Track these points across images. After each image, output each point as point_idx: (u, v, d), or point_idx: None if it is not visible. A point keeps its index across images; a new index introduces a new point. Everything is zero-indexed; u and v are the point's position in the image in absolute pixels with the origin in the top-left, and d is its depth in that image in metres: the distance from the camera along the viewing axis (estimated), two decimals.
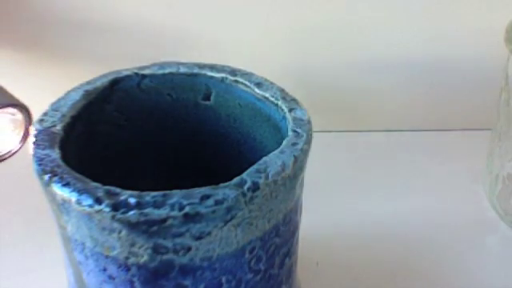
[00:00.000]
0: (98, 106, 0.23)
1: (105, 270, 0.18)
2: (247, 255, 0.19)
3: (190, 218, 0.17)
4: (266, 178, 0.18)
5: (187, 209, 0.17)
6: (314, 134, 0.21)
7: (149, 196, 0.17)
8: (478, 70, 0.41)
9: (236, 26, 0.39)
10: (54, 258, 0.24)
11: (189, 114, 0.25)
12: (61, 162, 0.18)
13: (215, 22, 0.38)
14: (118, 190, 0.17)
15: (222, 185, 0.17)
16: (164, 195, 0.17)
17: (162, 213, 0.17)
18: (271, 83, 0.23)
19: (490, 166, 0.36)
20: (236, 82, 0.23)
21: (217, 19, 0.38)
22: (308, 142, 0.20)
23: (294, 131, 0.20)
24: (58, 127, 0.20)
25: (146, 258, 0.18)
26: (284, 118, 0.21)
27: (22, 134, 0.30)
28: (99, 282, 0.19)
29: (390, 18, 0.39)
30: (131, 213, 0.17)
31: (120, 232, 0.17)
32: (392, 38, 0.39)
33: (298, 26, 0.39)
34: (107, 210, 0.17)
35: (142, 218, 0.17)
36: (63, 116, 0.21)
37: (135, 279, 0.18)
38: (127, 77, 0.23)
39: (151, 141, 0.25)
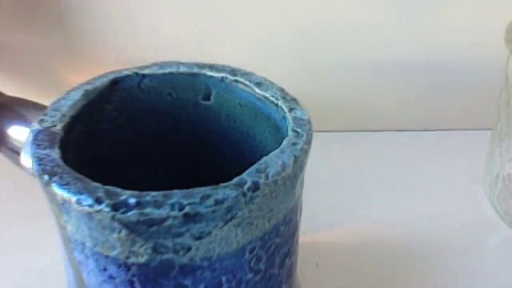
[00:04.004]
0: (98, 105, 0.23)
1: (105, 269, 0.18)
2: (247, 255, 0.19)
3: (190, 218, 0.17)
4: (266, 177, 0.18)
5: (187, 209, 0.17)
6: (314, 134, 0.21)
7: (149, 196, 0.17)
8: (478, 70, 0.41)
9: (236, 26, 0.39)
10: (53, 258, 0.24)
11: (189, 114, 0.25)
12: (61, 162, 0.18)
13: (215, 22, 0.38)
14: (117, 189, 0.17)
15: (222, 185, 0.17)
16: (164, 195, 0.17)
17: (162, 213, 0.17)
18: (271, 83, 0.23)
19: (489, 166, 0.36)
20: (236, 81, 0.23)
21: (216, 19, 0.38)
22: (308, 141, 0.20)
23: (294, 131, 0.20)
24: (58, 127, 0.20)
25: (146, 257, 0.17)
26: (284, 117, 0.21)
27: None
28: (99, 281, 0.19)
29: (390, 18, 0.39)
30: (131, 213, 0.16)
31: (120, 232, 0.17)
32: (392, 38, 0.39)
33: (297, 25, 0.39)
34: (107, 209, 0.17)
35: (142, 218, 0.17)
36: (63, 116, 0.21)
37: (135, 279, 0.18)
38: (127, 76, 0.23)
39: (151, 141, 0.25)
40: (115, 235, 0.17)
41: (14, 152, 0.27)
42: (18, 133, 0.27)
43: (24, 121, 0.27)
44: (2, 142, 0.28)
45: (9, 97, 0.30)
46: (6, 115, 0.28)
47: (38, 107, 0.28)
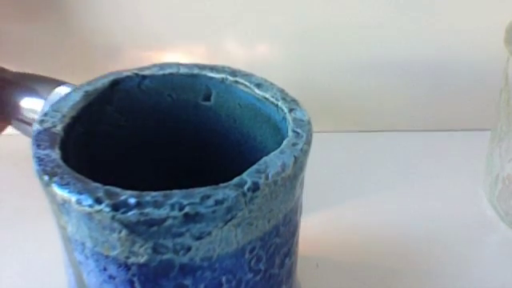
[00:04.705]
0: (99, 106, 0.23)
1: (105, 269, 0.18)
2: (247, 255, 0.19)
3: (190, 218, 0.17)
4: (266, 178, 0.18)
5: (187, 209, 0.17)
6: (314, 135, 0.21)
7: (149, 196, 0.17)
8: (478, 71, 0.41)
9: (236, 26, 0.39)
10: (53, 258, 0.24)
11: (189, 115, 0.25)
12: (61, 163, 0.18)
13: (215, 22, 0.38)
14: (117, 190, 0.17)
15: (222, 185, 0.17)
16: (164, 195, 0.17)
17: (162, 213, 0.17)
18: (271, 84, 0.23)
19: (489, 166, 0.36)
20: (236, 82, 0.23)
21: (217, 19, 0.38)
22: (308, 142, 0.20)
23: (294, 131, 0.20)
24: (59, 128, 0.20)
25: (146, 257, 0.18)
26: (284, 118, 0.21)
27: None
28: (99, 281, 0.19)
29: (390, 18, 0.39)
30: (131, 213, 0.17)
31: (120, 232, 0.17)
32: (392, 38, 0.39)
33: (297, 26, 0.39)
34: (107, 209, 0.17)
35: (142, 218, 0.17)
36: (63, 116, 0.21)
37: (135, 279, 0.18)
38: (127, 77, 0.23)
39: (151, 141, 0.25)
40: (115, 235, 0.17)
41: (26, 123, 0.28)
42: (30, 104, 0.28)
43: (35, 93, 0.28)
44: (13, 115, 0.28)
45: (16, 73, 0.30)
46: (15, 90, 0.28)
47: (48, 80, 0.28)
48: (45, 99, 0.27)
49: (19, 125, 0.29)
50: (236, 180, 0.18)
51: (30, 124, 0.28)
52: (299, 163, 0.19)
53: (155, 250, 0.17)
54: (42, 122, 0.20)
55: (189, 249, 0.18)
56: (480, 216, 0.36)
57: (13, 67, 0.32)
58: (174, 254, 0.18)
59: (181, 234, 0.17)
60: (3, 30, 0.38)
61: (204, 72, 0.24)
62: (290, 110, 0.21)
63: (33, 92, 0.28)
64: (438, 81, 0.41)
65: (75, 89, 0.22)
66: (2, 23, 0.38)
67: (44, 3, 0.37)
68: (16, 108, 0.28)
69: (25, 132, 0.29)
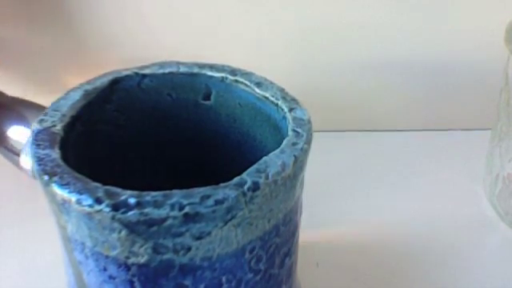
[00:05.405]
0: (98, 105, 0.23)
1: (105, 269, 0.18)
2: (247, 255, 0.19)
3: (190, 218, 0.17)
4: (266, 177, 0.18)
5: (187, 209, 0.17)
6: (314, 134, 0.21)
7: (149, 196, 0.17)
8: (478, 70, 0.41)
9: (236, 26, 0.39)
10: (53, 258, 0.24)
11: (189, 114, 0.25)
12: (61, 162, 0.18)
13: (215, 22, 0.38)
14: (117, 189, 0.17)
15: (222, 185, 0.17)
16: (164, 195, 0.17)
17: (162, 213, 0.17)
18: (271, 83, 0.23)
19: (489, 165, 0.36)
20: (236, 81, 0.23)
21: (217, 18, 0.38)
22: (308, 141, 0.20)
23: (294, 131, 0.20)
24: (58, 127, 0.20)
25: (146, 257, 0.17)
26: (284, 117, 0.21)
27: None
28: (99, 281, 0.19)
29: (390, 18, 0.39)
30: (131, 213, 0.16)
31: (120, 232, 0.17)
32: (392, 38, 0.39)
33: (297, 25, 0.39)
34: (107, 209, 0.17)
35: (142, 218, 0.17)
36: (63, 116, 0.21)
37: (135, 279, 0.18)
38: (127, 76, 0.23)
39: (151, 141, 0.25)
40: (115, 235, 0.17)
41: (13, 153, 0.28)
42: (18, 134, 0.28)
43: (25, 121, 0.27)
44: (2, 142, 0.28)
45: (10, 97, 0.30)
46: (6, 115, 0.28)
47: (39, 108, 0.28)
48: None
49: (6, 153, 0.29)
50: (236, 180, 0.18)
51: (16, 154, 0.28)
52: (299, 163, 0.19)
53: (155, 250, 0.17)
54: (41, 121, 0.20)
55: (189, 249, 0.17)
56: (480, 216, 0.36)
57: (15, 69, 0.32)
58: (174, 254, 0.18)
59: (181, 234, 0.17)
60: (5, 34, 0.38)
61: (204, 71, 0.24)
62: (290, 110, 0.21)
63: (22, 120, 0.28)
64: (438, 80, 0.41)
65: (75, 88, 0.22)
66: (4, 27, 0.38)
67: (46, 7, 0.37)
68: (3, 135, 0.28)
69: (12, 161, 0.29)
